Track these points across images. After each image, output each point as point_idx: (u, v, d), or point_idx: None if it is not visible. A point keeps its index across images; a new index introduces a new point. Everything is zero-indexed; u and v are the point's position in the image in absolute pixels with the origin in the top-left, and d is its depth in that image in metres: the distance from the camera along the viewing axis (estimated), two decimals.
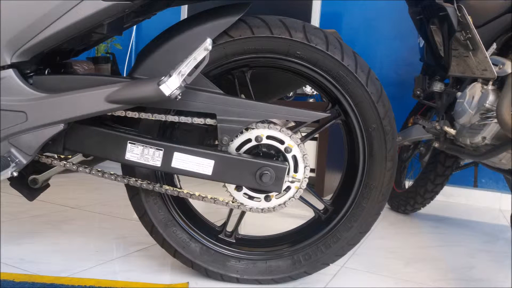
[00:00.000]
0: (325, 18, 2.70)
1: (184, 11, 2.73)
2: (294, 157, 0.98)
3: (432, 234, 1.71)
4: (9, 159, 0.91)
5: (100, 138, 0.95)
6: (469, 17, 1.21)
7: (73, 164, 0.99)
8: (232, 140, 0.97)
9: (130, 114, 0.95)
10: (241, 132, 0.97)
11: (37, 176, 1.05)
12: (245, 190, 0.98)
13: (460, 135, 1.43)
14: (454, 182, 2.47)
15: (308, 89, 2.52)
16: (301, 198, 1.03)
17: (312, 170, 2.32)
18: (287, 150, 0.97)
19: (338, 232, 1.05)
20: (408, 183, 2.19)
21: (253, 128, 0.97)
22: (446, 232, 1.77)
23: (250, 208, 0.99)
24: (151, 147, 0.94)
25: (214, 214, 1.72)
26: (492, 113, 1.24)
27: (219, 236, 1.09)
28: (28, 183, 1.05)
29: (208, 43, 0.85)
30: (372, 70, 1.01)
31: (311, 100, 2.60)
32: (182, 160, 0.94)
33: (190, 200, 1.09)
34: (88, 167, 0.99)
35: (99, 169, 1.00)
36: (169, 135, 1.04)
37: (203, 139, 1.03)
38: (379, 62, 2.68)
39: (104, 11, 0.88)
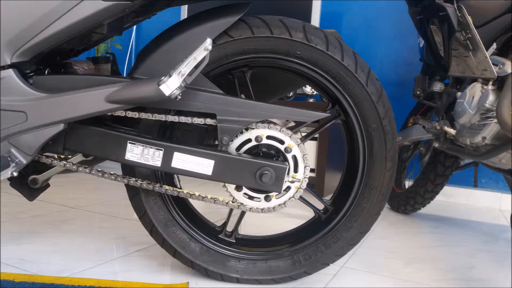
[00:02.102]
0: (325, 18, 2.70)
1: (184, 11, 2.73)
2: (294, 157, 0.98)
3: (432, 234, 1.71)
4: (9, 159, 0.91)
5: (100, 138, 0.95)
6: (469, 17, 1.21)
7: (73, 164, 0.99)
8: (232, 140, 0.97)
9: (130, 114, 0.95)
10: (241, 132, 0.97)
11: (37, 176, 1.05)
12: (245, 190, 0.98)
13: (460, 135, 1.43)
14: (454, 182, 2.47)
15: (308, 89, 2.52)
16: (301, 198, 1.03)
17: (312, 170, 2.32)
18: (287, 150, 0.97)
19: (338, 232, 1.05)
20: (408, 183, 2.19)
21: (253, 128, 0.97)
22: (446, 232, 1.77)
23: (250, 208, 0.99)
24: (151, 147, 0.94)
25: (214, 214, 1.72)
26: (492, 113, 1.24)
27: (219, 236, 1.09)
28: (28, 183, 1.05)
29: (208, 43, 0.85)
30: (372, 70, 1.01)
31: (311, 100, 2.60)
32: (182, 160, 0.94)
33: (190, 200, 1.09)
34: (88, 167, 0.99)
35: (99, 169, 1.00)
36: (169, 135, 1.04)
37: (203, 139, 1.03)
38: (379, 62, 2.68)
39: (104, 11, 0.88)
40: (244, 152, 0.98)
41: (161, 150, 0.94)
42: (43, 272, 1.04)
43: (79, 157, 1.05)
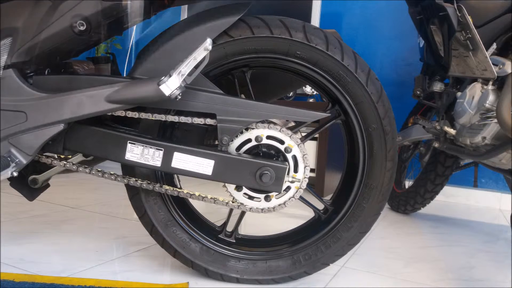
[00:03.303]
0: (325, 18, 2.70)
1: (184, 11, 2.73)
2: (294, 157, 0.98)
3: (432, 234, 1.71)
4: (9, 159, 0.91)
5: (100, 138, 0.95)
6: (469, 17, 1.21)
7: (73, 164, 0.99)
8: (232, 140, 0.97)
9: (130, 114, 0.95)
10: (241, 132, 0.97)
11: (37, 176, 1.05)
12: (245, 190, 0.98)
13: (460, 135, 1.43)
14: (454, 182, 2.47)
15: (308, 89, 2.52)
16: (301, 198, 1.03)
17: (312, 170, 2.32)
18: (287, 150, 0.97)
19: (338, 232, 1.05)
20: (408, 183, 2.19)
21: (253, 128, 0.97)
22: (446, 232, 1.77)
23: (250, 208, 0.99)
24: (151, 147, 0.94)
25: (214, 214, 1.72)
26: (492, 113, 1.24)
27: (219, 236, 1.09)
28: (28, 183, 1.05)
29: (208, 43, 0.85)
30: (372, 70, 1.01)
31: (311, 100, 2.60)
32: (182, 160, 0.94)
33: (190, 200, 1.09)
34: (88, 167, 0.99)
35: (99, 169, 1.00)
36: (169, 135, 1.04)
37: (203, 139, 1.03)
38: (379, 62, 2.68)
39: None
40: (244, 152, 0.98)
41: (161, 150, 0.94)
42: (43, 272, 1.04)
43: (79, 157, 1.05)
